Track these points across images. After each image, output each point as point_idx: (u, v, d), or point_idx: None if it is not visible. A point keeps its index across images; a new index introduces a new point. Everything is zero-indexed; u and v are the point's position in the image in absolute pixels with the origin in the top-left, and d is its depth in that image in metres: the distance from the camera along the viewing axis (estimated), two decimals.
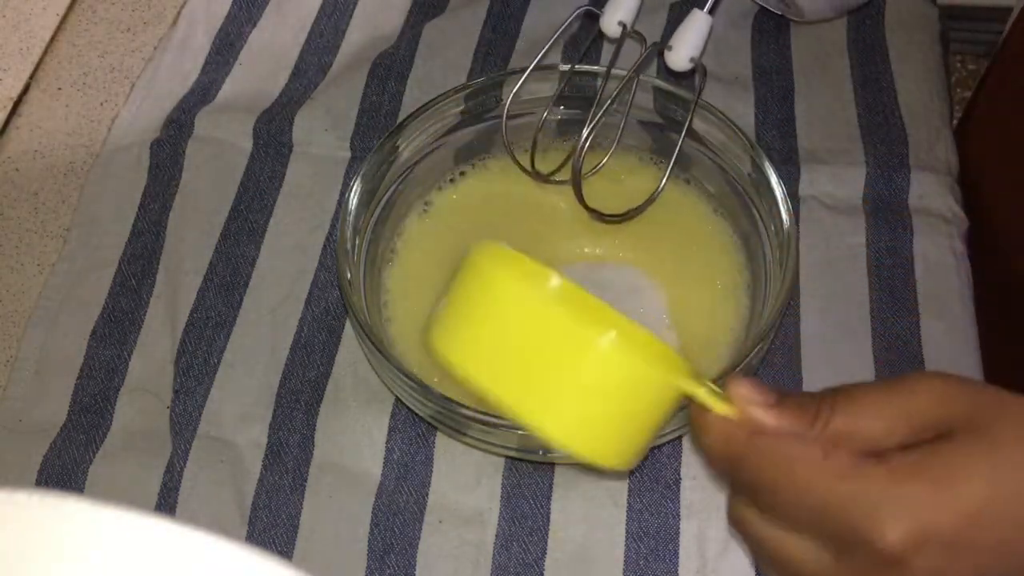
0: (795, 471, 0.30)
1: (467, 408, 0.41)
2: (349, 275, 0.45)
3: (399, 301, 0.49)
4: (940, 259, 0.51)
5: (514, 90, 0.48)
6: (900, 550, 0.29)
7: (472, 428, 0.42)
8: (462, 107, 0.51)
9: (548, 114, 0.51)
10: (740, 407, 0.32)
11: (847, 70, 0.58)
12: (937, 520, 0.29)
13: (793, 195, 0.53)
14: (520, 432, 0.41)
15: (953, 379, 0.31)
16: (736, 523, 0.34)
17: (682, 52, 0.47)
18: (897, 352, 0.48)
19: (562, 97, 0.51)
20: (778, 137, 0.55)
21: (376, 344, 0.43)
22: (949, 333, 0.48)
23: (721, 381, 0.41)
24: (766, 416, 0.32)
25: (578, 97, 0.51)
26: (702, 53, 0.47)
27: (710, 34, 0.47)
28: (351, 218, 0.46)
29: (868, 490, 0.29)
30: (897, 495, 0.29)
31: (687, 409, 0.41)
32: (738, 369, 0.41)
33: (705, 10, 0.46)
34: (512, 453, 0.45)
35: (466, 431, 0.43)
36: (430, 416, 0.44)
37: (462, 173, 0.52)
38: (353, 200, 0.47)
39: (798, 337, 0.49)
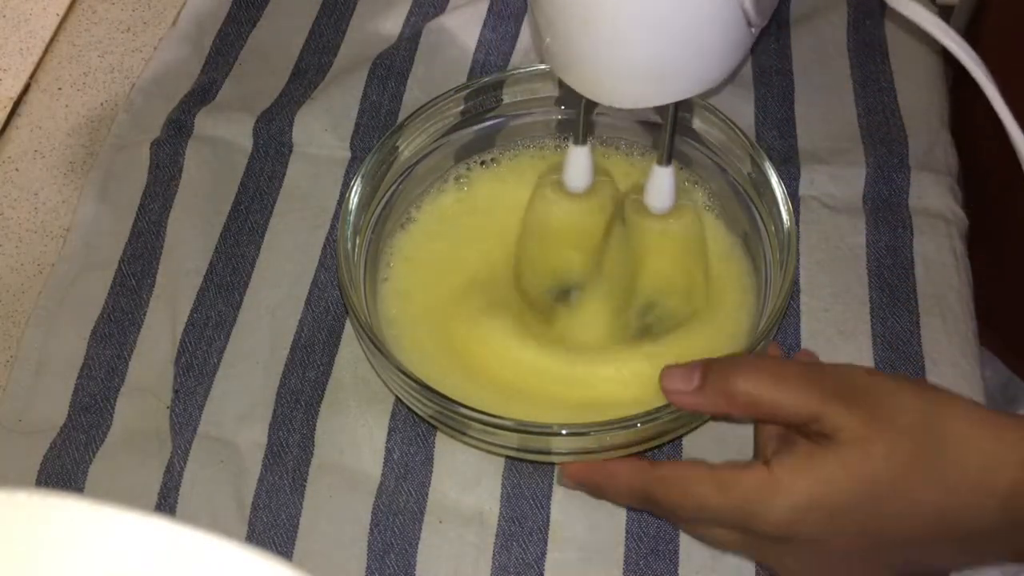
0: (689, 491, 0.38)
1: (467, 408, 0.41)
2: (349, 275, 0.45)
3: (399, 301, 0.49)
4: (940, 259, 0.51)
5: None
6: (782, 528, 0.36)
7: (472, 428, 0.42)
8: (462, 107, 0.51)
9: (547, 115, 0.51)
10: (673, 400, 0.39)
11: (847, 70, 0.58)
12: (813, 496, 0.35)
13: (793, 195, 0.53)
14: (520, 432, 0.41)
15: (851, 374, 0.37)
16: (677, 525, 0.43)
17: (657, 203, 0.48)
18: (897, 352, 0.48)
19: (562, 99, 0.51)
20: (778, 137, 0.55)
21: (376, 344, 0.43)
22: (949, 333, 0.48)
23: None
24: (695, 403, 0.39)
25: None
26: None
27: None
28: (351, 218, 0.46)
29: (747, 495, 0.36)
30: (774, 492, 0.36)
31: (685, 415, 0.41)
32: None
33: (665, 164, 0.47)
34: (512, 453, 0.44)
35: (466, 431, 0.43)
36: (430, 416, 0.44)
37: (467, 171, 0.52)
38: (353, 200, 0.47)
39: (798, 337, 0.49)
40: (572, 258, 0.49)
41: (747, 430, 0.46)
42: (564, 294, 0.49)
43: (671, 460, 0.40)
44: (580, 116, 0.47)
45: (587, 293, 0.48)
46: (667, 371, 0.40)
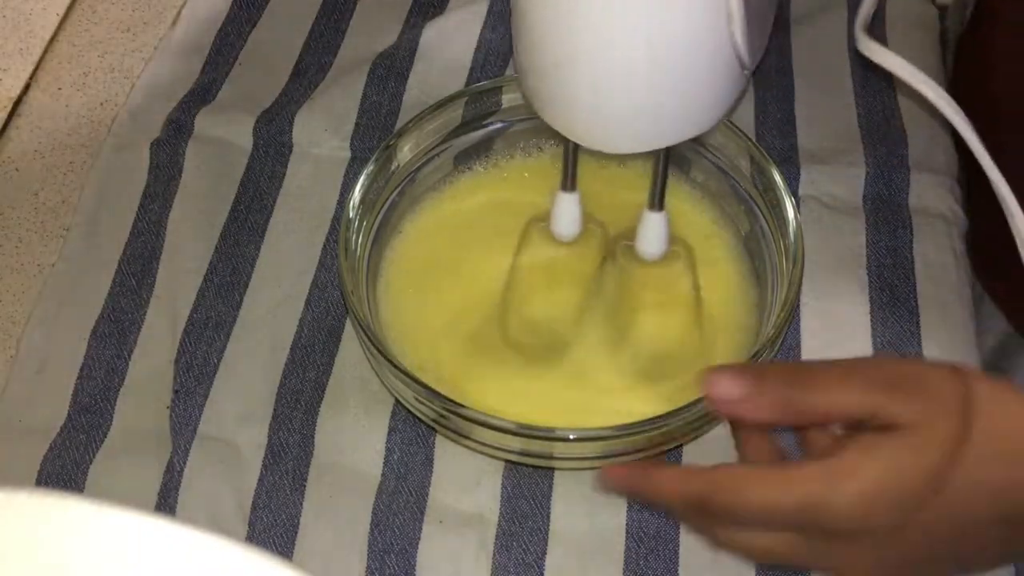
0: (749, 492, 0.35)
1: (467, 409, 0.41)
2: (349, 275, 0.45)
3: (399, 302, 0.49)
4: (940, 259, 0.51)
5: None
6: (855, 519, 0.34)
7: (473, 431, 0.42)
8: (464, 111, 0.51)
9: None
10: (721, 408, 0.36)
11: (847, 70, 0.58)
12: (883, 480, 0.33)
13: (793, 195, 0.53)
14: (524, 436, 0.41)
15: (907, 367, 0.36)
16: (713, 543, 0.39)
17: (649, 249, 0.46)
18: (897, 352, 0.48)
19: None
20: (778, 137, 0.55)
21: (376, 345, 0.43)
22: (949, 333, 0.48)
23: None
24: (746, 411, 0.36)
25: None
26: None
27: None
28: (352, 218, 0.46)
29: (813, 486, 0.34)
30: (843, 477, 0.34)
31: (689, 422, 0.41)
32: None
33: (656, 210, 0.45)
34: (513, 457, 0.44)
35: (465, 433, 0.43)
36: (431, 419, 0.44)
37: (466, 173, 0.52)
38: (354, 201, 0.47)
39: (798, 337, 0.49)
40: (561, 307, 0.48)
41: None
42: (555, 342, 0.48)
43: (722, 464, 0.37)
44: (567, 161, 0.44)
45: (578, 342, 0.47)
46: (713, 378, 0.36)
